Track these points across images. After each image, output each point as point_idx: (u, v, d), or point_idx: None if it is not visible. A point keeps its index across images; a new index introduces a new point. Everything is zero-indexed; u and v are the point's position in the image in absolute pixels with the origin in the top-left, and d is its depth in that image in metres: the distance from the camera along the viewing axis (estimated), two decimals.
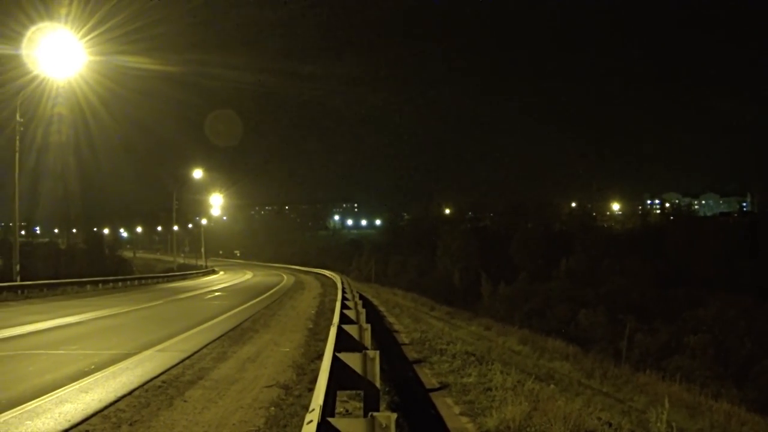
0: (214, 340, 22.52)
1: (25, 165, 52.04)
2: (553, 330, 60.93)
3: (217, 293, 54.92)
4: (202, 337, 23.20)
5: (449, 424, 12.75)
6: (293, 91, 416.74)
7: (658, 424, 14.31)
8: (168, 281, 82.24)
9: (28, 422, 11.24)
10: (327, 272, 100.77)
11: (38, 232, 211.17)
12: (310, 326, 28.24)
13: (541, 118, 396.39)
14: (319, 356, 16.44)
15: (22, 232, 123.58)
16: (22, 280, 47.11)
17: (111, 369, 16.36)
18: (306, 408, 9.64)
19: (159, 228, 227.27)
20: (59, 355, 18.90)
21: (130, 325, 28.95)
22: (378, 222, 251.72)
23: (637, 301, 79.91)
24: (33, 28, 42.26)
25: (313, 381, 12.13)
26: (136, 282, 73.88)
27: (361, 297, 36.45)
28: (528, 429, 11.80)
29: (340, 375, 10.01)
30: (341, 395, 12.62)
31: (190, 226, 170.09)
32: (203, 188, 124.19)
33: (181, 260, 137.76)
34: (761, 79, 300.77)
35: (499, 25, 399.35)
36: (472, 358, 20.83)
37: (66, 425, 11.13)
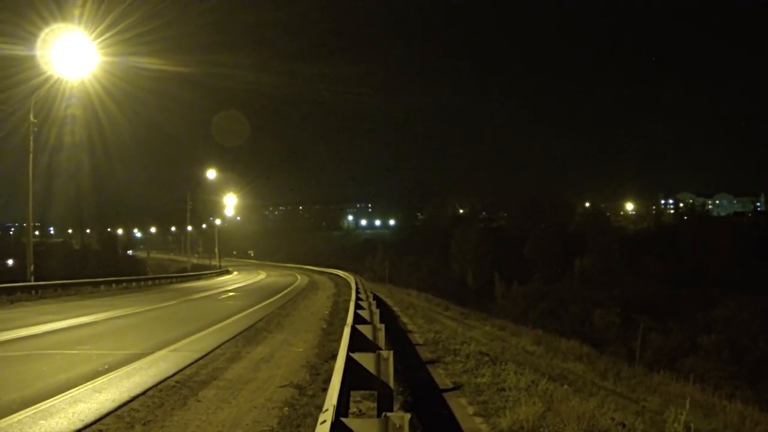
0: (228, 340, 22.53)
1: (38, 165, 52.12)
2: (567, 330, 60.82)
3: (230, 293, 54.93)
4: (215, 338, 23.20)
5: (463, 425, 12.72)
6: (305, 91, 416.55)
7: (675, 425, 14.27)
8: (182, 281, 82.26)
9: (42, 422, 11.24)
10: (341, 272, 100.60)
11: (52, 232, 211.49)
12: (324, 326, 28.21)
13: (555, 119, 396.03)
14: (333, 356, 16.43)
15: (36, 233, 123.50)
16: (36, 281, 47.13)
17: (125, 369, 16.37)
18: (319, 408, 9.63)
19: (173, 228, 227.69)
20: (73, 355, 18.91)
21: (144, 325, 28.98)
22: (392, 222, 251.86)
23: (650, 301, 79.77)
24: (47, 30, 42.38)
25: (327, 381, 12.09)
26: (150, 282, 73.88)
27: (375, 297, 36.47)
28: (541, 429, 11.76)
29: (353, 375, 9.99)
30: (355, 395, 12.61)
31: (203, 226, 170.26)
32: (217, 188, 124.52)
33: (194, 260, 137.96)
34: None
35: (514, 25, 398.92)
36: (486, 359, 20.77)
37: (80, 425, 11.13)
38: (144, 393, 13.73)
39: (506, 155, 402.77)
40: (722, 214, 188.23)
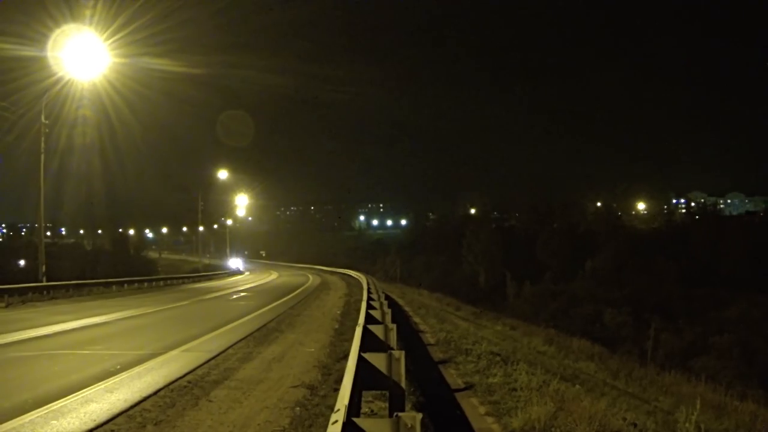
0: (240, 341, 22.54)
1: (50, 166, 52.20)
2: (579, 330, 60.63)
3: (242, 294, 55.00)
4: (227, 338, 23.22)
5: (474, 425, 12.69)
6: (317, 92, 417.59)
7: (687, 425, 14.23)
8: (193, 282, 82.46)
9: (53, 422, 11.26)
10: (352, 272, 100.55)
11: (64, 233, 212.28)
12: (336, 326, 28.21)
13: (567, 119, 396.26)
14: (345, 356, 16.40)
15: (48, 234, 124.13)
16: (48, 281, 47.28)
17: (136, 369, 16.38)
18: (331, 408, 9.60)
19: (184, 229, 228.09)
20: (85, 355, 18.95)
21: (156, 326, 29.03)
22: (403, 222, 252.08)
23: (662, 301, 79.56)
24: (58, 31, 42.50)
25: (339, 381, 12.08)
26: (161, 283, 74.06)
27: (387, 297, 36.41)
28: (553, 429, 11.73)
29: (365, 375, 9.98)
30: (366, 395, 12.61)
31: (215, 226, 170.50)
32: (228, 189, 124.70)
33: (206, 261, 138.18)
34: None
35: (526, 27, 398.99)
36: (498, 359, 20.73)
37: (91, 425, 11.14)
38: (156, 393, 13.75)
39: (518, 155, 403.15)
40: (734, 213, 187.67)
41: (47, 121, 47.18)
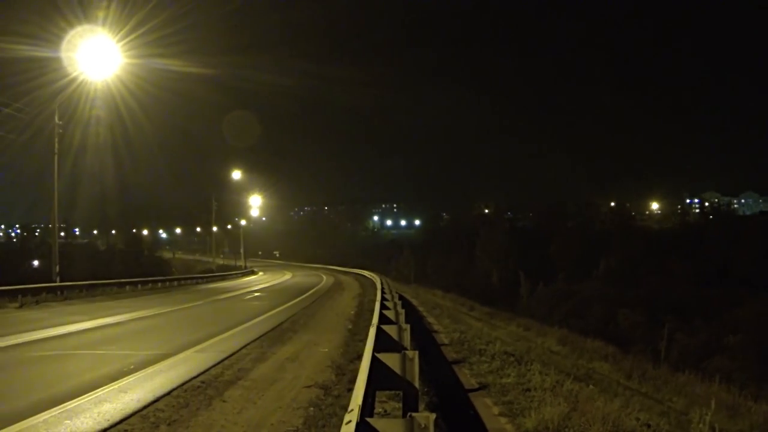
0: (254, 341, 22.55)
1: (63, 167, 52.38)
2: (592, 330, 60.47)
3: (256, 294, 55.08)
4: (241, 338, 23.24)
5: (488, 425, 12.66)
6: (329, 93, 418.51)
7: (701, 425, 14.17)
8: (207, 282, 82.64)
9: (67, 421, 11.26)
10: (366, 273, 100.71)
11: (77, 233, 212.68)
12: (350, 327, 28.23)
13: (581, 119, 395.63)
14: (359, 356, 16.39)
15: (62, 234, 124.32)
16: (61, 281, 47.45)
17: (150, 369, 16.40)
18: (345, 408, 9.60)
19: (198, 229, 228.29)
20: (98, 355, 18.99)
21: (169, 326, 29.09)
22: (417, 222, 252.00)
23: (676, 301, 79.28)
24: (72, 32, 42.62)
25: (352, 381, 12.09)
26: (175, 283, 74.27)
27: (401, 297, 36.38)
28: (567, 430, 11.70)
29: (379, 375, 9.95)
30: (380, 395, 12.58)
31: (229, 227, 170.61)
32: (242, 189, 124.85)
33: (220, 261, 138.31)
34: None
35: (542, 27, 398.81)
36: (511, 359, 20.71)
37: (105, 424, 11.15)
38: (169, 393, 13.75)
39: (531, 155, 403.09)
40: (748, 213, 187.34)
41: (61, 122, 47.35)
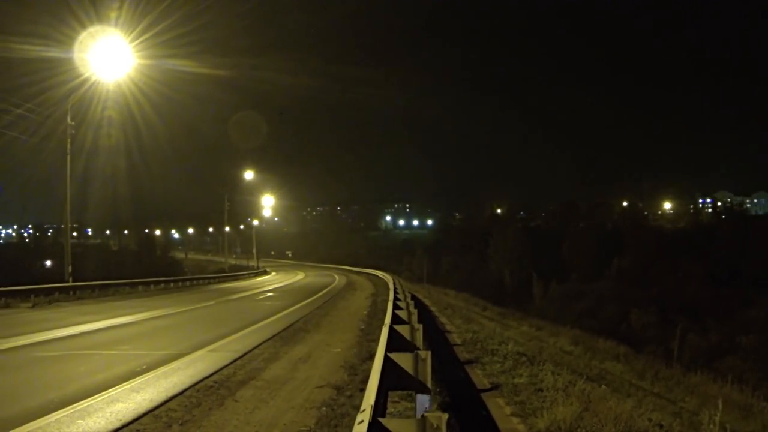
0: (266, 341, 22.54)
1: (75, 167, 52.30)
2: (605, 330, 60.44)
3: (268, 294, 55.10)
4: (253, 338, 23.23)
5: (500, 425, 12.63)
6: (342, 94, 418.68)
7: (711, 426, 14.12)
8: (220, 282, 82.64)
9: (79, 421, 11.26)
10: (379, 273, 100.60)
11: (90, 233, 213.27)
12: (362, 327, 28.18)
13: (594, 119, 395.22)
14: (371, 356, 16.39)
15: (74, 234, 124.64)
16: (74, 281, 47.57)
17: (162, 369, 16.40)
18: (357, 408, 9.58)
19: (210, 229, 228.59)
20: (111, 355, 19.00)
21: (182, 326, 29.10)
22: (430, 222, 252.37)
23: (688, 301, 79.29)
24: (84, 33, 42.69)
25: (365, 381, 12.04)
26: (187, 283, 74.37)
27: (413, 297, 36.38)
28: (579, 430, 11.66)
29: (391, 375, 9.95)
30: (392, 395, 12.56)
31: (241, 227, 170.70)
32: (254, 189, 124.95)
33: (232, 261, 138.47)
34: None
35: (552, 28, 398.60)
36: (524, 359, 20.67)
37: (117, 424, 11.14)
38: (181, 393, 13.75)
39: (543, 155, 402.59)
40: (760, 212, 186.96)
41: (73, 123, 47.45)
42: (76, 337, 23.43)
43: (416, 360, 10.18)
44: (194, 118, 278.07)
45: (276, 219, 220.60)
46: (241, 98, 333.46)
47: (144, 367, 16.53)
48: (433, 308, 46.19)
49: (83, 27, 43.01)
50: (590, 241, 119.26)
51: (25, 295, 40.95)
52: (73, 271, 48.47)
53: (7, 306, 38.15)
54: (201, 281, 79.84)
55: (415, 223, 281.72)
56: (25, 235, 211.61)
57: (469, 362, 20.46)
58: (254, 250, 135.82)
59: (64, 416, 11.50)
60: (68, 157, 47.32)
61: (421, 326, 14.70)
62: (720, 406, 15.02)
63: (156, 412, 12.17)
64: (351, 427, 7.06)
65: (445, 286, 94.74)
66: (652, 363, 41.70)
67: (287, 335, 24.70)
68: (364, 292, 58.96)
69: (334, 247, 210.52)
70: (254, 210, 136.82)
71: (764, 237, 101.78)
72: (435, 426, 6.53)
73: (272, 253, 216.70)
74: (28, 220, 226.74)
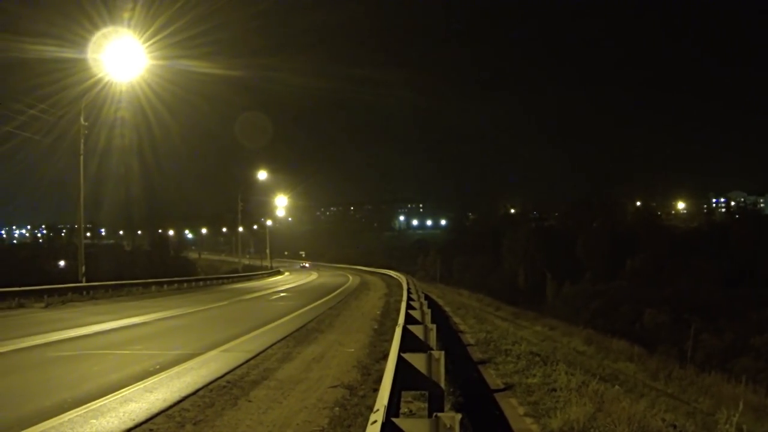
0: (279, 341, 22.53)
1: (89, 168, 52.51)
2: (618, 330, 60.31)
3: (282, 294, 55.20)
4: (266, 338, 23.23)
5: (513, 425, 12.62)
6: (355, 94, 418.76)
7: (727, 426, 14.06)
8: (233, 282, 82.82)
9: (93, 421, 11.27)
10: (392, 273, 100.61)
11: (103, 234, 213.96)
12: (375, 327, 28.16)
13: (607, 118, 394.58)
14: (384, 357, 16.35)
15: (87, 235, 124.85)
16: (87, 281, 47.70)
17: (176, 369, 16.41)
18: (370, 408, 9.55)
19: (224, 229, 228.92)
20: (124, 355, 19.02)
21: (195, 326, 29.16)
22: (443, 222, 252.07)
23: (702, 301, 79.00)
24: (97, 33, 42.76)
25: (378, 381, 12.02)
26: (201, 283, 74.59)
27: (427, 297, 36.33)
28: (592, 430, 11.63)
29: (404, 375, 9.90)
30: (405, 396, 12.53)
31: (255, 227, 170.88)
32: (268, 190, 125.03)
33: (246, 261, 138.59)
34: None
35: (563, 28, 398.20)
36: (537, 359, 20.63)
37: (130, 424, 11.15)
38: (195, 393, 13.75)
39: (557, 155, 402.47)
40: None
41: (86, 123, 47.57)
42: (90, 337, 23.48)
43: (430, 360, 10.13)
44: (207, 119, 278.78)
45: (289, 219, 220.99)
46: (253, 99, 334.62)
47: (157, 366, 16.55)
48: (446, 308, 46.19)
49: (97, 28, 43.14)
50: (604, 241, 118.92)
51: (38, 296, 41.09)
52: (87, 272, 48.64)
53: (21, 306, 38.33)
54: (214, 281, 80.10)
55: (429, 223, 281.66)
56: (39, 235, 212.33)
57: (483, 362, 20.46)
58: (268, 251, 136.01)
59: (77, 416, 11.51)
60: (81, 158, 47.44)
61: (434, 326, 14.62)
62: (740, 407, 14.99)
63: (169, 411, 12.17)
64: (364, 427, 7.06)
65: (459, 286, 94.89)
66: (666, 363, 41.58)
67: (300, 335, 24.71)
68: (377, 292, 58.96)
69: (348, 247, 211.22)
70: (268, 210, 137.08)
71: None
72: (448, 426, 6.51)
73: (285, 253, 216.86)
74: (42, 220, 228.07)
